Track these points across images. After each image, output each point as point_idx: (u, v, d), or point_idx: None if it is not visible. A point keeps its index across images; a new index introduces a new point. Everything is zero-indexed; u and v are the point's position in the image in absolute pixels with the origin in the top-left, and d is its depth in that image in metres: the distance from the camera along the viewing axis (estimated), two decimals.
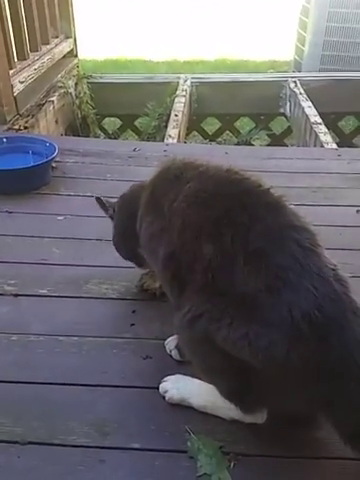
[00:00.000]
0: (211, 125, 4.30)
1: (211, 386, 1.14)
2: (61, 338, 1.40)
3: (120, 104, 4.03)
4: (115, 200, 1.52)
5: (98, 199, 1.53)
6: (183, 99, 3.48)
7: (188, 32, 7.31)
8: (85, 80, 4.03)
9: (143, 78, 4.19)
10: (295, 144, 3.88)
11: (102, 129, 4.23)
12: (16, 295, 1.57)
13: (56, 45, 3.80)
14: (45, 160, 2.20)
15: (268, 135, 4.14)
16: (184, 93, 3.57)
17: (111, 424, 1.16)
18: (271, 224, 1.03)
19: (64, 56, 3.95)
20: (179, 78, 3.90)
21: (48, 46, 3.61)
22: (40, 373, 1.29)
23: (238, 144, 3.93)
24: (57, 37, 3.87)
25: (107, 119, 4.39)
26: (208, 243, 1.06)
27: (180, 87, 3.66)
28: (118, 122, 4.39)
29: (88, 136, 3.91)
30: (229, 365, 1.04)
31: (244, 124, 4.32)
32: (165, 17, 7.79)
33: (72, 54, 4.14)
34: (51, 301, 1.55)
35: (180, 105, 3.36)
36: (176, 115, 3.16)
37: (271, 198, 1.08)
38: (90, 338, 1.40)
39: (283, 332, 0.94)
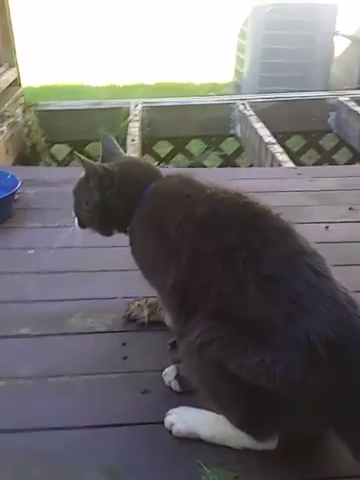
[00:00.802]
0: (163, 148, 4.32)
1: (219, 415, 1.12)
2: (51, 379, 1.34)
3: (69, 131, 3.96)
4: (99, 163, 1.30)
5: (77, 155, 1.27)
6: (137, 124, 3.49)
7: (124, 56, 7.34)
8: (32, 108, 3.96)
9: (91, 104, 4.16)
10: (247, 163, 3.96)
11: (52, 157, 4.15)
12: None
13: (1, 74, 3.72)
14: (9, 193, 2.12)
15: (220, 156, 4.22)
16: (137, 118, 3.58)
17: (120, 466, 1.11)
18: (283, 249, 1.04)
19: (9, 85, 3.87)
20: (129, 103, 3.90)
21: None
22: (35, 419, 1.22)
23: (191, 166, 3.97)
24: (1, 66, 3.79)
25: (57, 146, 4.31)
26: (219, 268, 1.05)
27: (132, 112, 3.66)
28: (67, 149, 4.31)
29: (38, 164, 3.82)
30: (240, 392, 1.03)
31: (195, 146, 4.37)
32: (100, 41, 7.79)
33: (16, 83, 4.06)
34: (35, 341, 1.48)
35: (135, 130, 3.36)
36: (133, 140, 3.16)
37: (281, 223, 1.09)
38: (82, 376, 1.35)
39: (300, 356, 0.95)
